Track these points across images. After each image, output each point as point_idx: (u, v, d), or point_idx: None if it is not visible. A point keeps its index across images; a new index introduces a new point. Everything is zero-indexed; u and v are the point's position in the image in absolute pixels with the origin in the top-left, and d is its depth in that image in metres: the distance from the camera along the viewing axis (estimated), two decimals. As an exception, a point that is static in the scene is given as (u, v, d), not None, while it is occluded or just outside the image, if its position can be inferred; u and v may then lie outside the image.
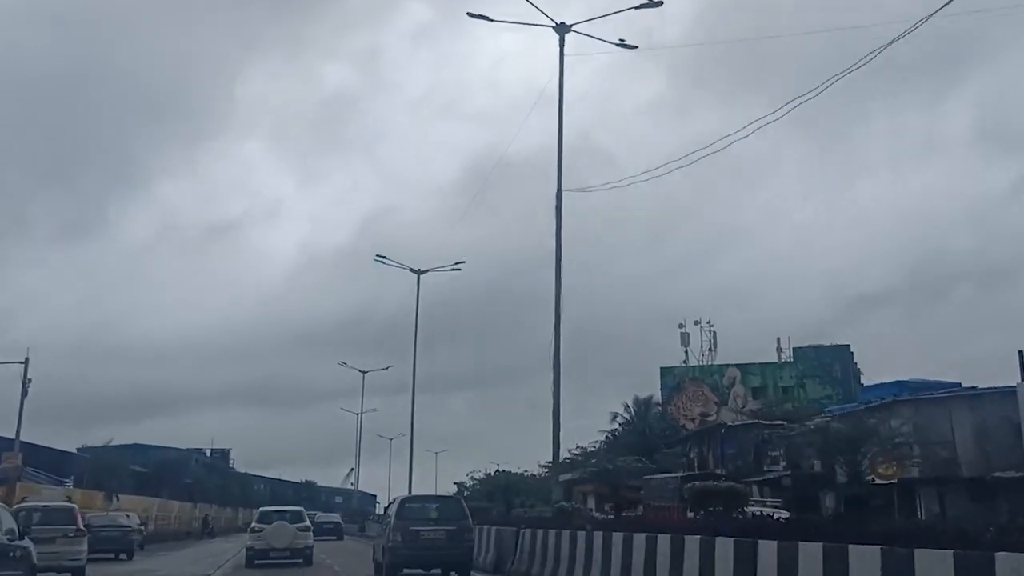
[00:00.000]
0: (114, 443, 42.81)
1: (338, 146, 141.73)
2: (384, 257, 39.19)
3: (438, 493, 37.89)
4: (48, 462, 41.84)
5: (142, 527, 35.26)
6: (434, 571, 20.29)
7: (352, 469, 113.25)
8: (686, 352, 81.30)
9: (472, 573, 20.17)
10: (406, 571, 20.00)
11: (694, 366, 79.53)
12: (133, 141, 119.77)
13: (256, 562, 24.15)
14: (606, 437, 66.19)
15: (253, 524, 25.70)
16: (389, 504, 24.46)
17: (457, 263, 40.19)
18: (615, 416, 60.86)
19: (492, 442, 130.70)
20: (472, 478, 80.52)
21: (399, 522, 19.72)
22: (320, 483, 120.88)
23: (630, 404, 67.96)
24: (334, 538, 47.62)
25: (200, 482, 65.73)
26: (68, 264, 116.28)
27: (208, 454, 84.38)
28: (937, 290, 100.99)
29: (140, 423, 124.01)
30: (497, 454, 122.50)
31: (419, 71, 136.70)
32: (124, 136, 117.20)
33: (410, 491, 34.95)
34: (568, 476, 61.59)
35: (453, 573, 20.03)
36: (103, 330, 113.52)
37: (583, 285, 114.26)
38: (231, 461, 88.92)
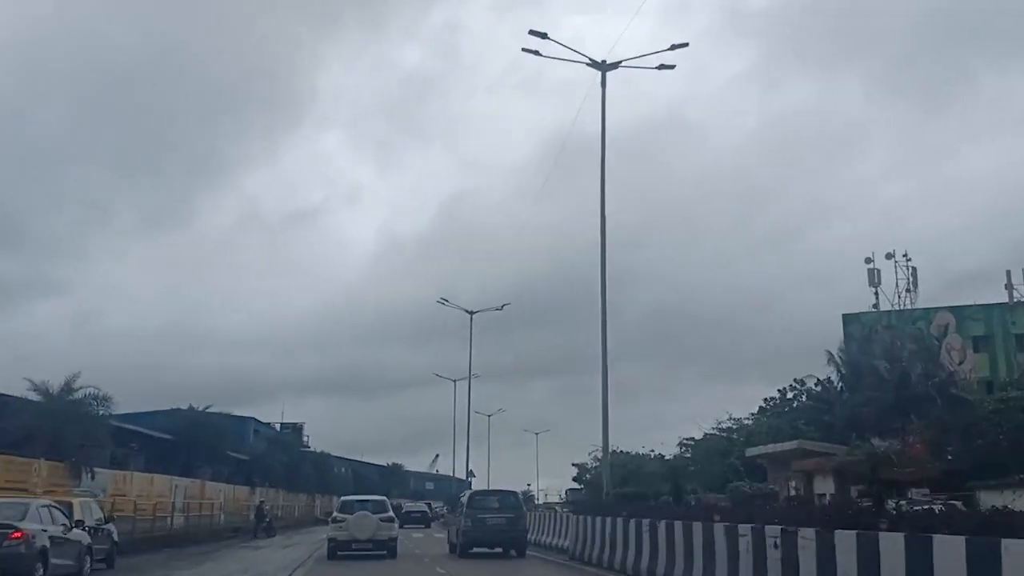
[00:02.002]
0: (88, 389, 24.78)
1: (416, 130, 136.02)
2: (543, 36, 22.84)
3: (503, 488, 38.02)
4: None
5: (106, 525, 18.82)
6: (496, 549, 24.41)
7: (438, 455, 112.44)
8: (876, 294, 63.65)
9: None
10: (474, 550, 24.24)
11: (888, 311, 61.98)
12: (215, 131, 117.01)
13: (339, 554, 23.27)
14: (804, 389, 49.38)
15: (334, 514, 25.11)
16: (461, 495, 29.59)
17: (677, 45, 23.71)
18: (834, 357, 43.41)
19: (581, 426, 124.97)
20: (595, 458, 66.62)
21: (469, 511, 24.52)
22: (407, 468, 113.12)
23: (834, 353, 49.60)
24: (422, 526, 48.99)
25: (260, 459, 49.74)
26: (152, 254, 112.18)
27: (278, 428, 69.04)
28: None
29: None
30: (593, 438, 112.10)
31: (497, 47, 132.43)
32: (206, 126, 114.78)
33: (606, 483, 28.75)
34: (765, 450, 44.73)
35: (513, 551, 24.14)
36: (187, 319, 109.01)
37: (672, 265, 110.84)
38: (305, 438, 73.37)
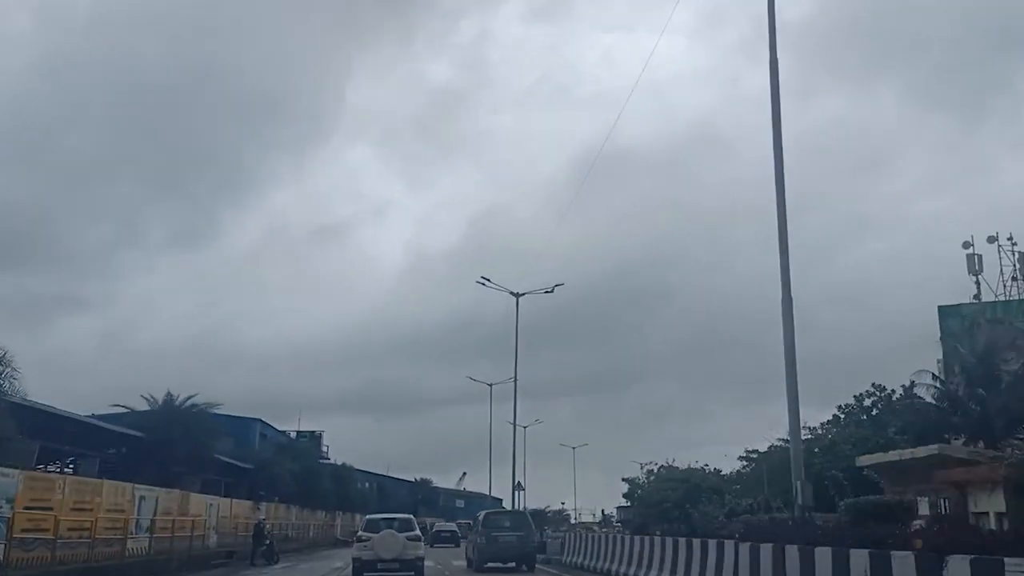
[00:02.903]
0: None
1: (445, 144, 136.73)
2: None
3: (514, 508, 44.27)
4: None
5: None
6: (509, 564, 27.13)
7: (465, 473, 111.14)
8: (977, 283, 55.23)
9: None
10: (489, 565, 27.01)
11: (993, 302, 53.77)
12: (243, 148, 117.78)
13: (365, 574, 22.78)
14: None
15: (359, 533, 24.87)
16: (477, 515, 32.01)
17: None
18: (960, 351, 35.79)
19: (609, 445, 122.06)
20: (649, 472, 59.93)
21: (484, 529, 27.52)
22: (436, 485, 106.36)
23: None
24: (451, 546, 49.20)
25: (267, 468, 41.77)
26: (181, 271, 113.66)
27: (293, 436, 61.33)
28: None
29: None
30: (627, 455, 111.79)
31: (527, 61, 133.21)
32: (234, 143, 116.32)
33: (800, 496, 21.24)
34: (885, 458, 36.33)
35: (524, 566, 26.86)
36: (215, 336, 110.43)
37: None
38: (324, 448, 65.52)
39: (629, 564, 19.45)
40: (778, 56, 19.97)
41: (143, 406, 29.87)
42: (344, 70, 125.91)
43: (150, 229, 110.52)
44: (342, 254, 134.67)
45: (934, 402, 40.44)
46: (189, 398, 30.85)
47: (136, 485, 24.06)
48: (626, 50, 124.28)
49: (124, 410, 29.87)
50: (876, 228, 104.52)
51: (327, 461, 63.64)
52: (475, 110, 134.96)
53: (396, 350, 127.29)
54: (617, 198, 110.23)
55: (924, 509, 31.54)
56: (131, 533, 23.24)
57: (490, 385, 62.15)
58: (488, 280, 42.16)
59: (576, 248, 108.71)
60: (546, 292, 42.76)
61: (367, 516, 28.11)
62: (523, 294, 42.43)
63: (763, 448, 52.62)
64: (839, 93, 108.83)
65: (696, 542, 15.16)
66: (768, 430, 58.43)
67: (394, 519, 24.48)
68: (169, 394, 30.57)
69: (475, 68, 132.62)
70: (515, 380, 43.35)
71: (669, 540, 17.00)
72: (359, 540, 23.72)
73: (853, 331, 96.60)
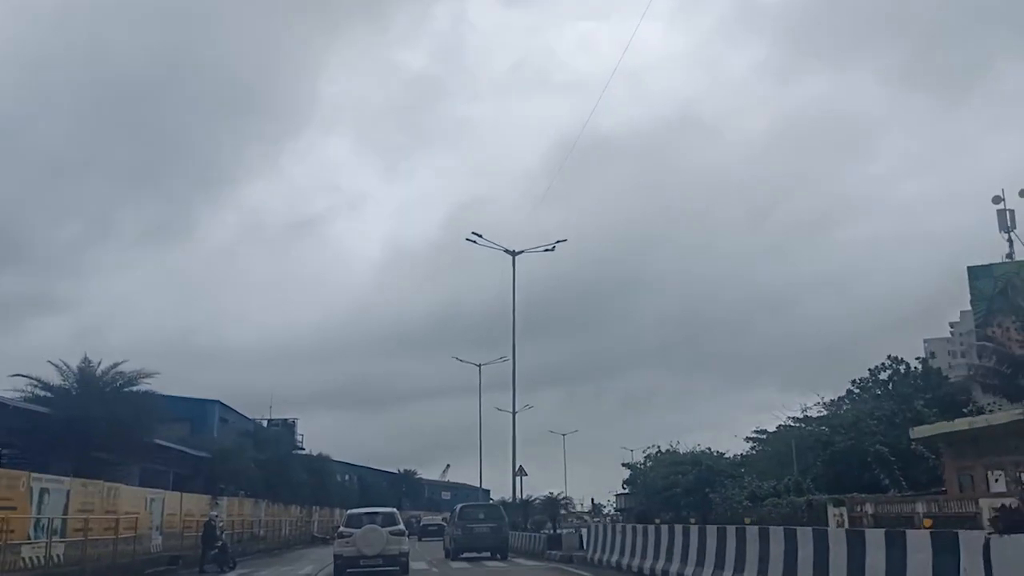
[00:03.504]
0: None
1: (423, 134, 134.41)
2: None
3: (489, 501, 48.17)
4: None
5: None
6: (484, 554, 28.79)
7: (448, 465, 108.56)
8: (1010, 240, 50.94)
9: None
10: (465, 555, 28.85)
11: (1026, 260, 49.71)
12: (217, 141, 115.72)
13: (348, 571, 22.03)
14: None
15: (340, 529, 23.87)
16: (454, 508, 33.20)
17: None
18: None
19: (594, 436, 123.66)
20: (649, 457, 55.21)
21: (460, 521, 29.52)
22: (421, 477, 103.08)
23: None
24: (439, 539, 46.50)
25: (228, 457, 36.10)
26: (156, 268, 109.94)
27: (265, 425, 55.90)
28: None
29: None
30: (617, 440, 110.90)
31: (506, 44, 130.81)
32: (207, 137, 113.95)
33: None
34: (950, 428, 31.94)
35: (497, 555, 28.42)
36: (191, 333, 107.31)
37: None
38: (298, 437, 60.02)
39: (698, 565, 14.06)
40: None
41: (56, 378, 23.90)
42: (317, 60, 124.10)
43: (124, 225, 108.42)
44: (320, 247, 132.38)
45: (991, 365, 35.62)
46: (114, 366, 25.00)
47: (33, 474, 18.50)
48: (605, 34, 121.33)
49: (31, 382, 23.89)
50: (858, 209, 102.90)
51: (302, 451, 58.30)
52: (452, 98, 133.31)
53: (377, 343, 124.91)
54: (599, 183, 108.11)
55: (1000, 486, 26.68)
56: (28, 537, 17.71)
57: (479, 366, 57.37)
58: (480, 236, 36.74)
59: (559, 234, 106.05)
60: (546, 250, 37.45)
61: (348, 510, 26.83)
62: (520, 252, 37.05)
63: (771, 428, 48.48)
64: (820, 75, 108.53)
65: (840, 532, 9.91)
66: (781, 409, 53.95)
67: (377, 513, 23.81)
68: (87, 360, 24.58)
69: (451, 55, 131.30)
70: (513, 349, 37.97)
71: (764, 531, 11.73)
72: (340, 536, 23.04)
73: (837, 313, 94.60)
